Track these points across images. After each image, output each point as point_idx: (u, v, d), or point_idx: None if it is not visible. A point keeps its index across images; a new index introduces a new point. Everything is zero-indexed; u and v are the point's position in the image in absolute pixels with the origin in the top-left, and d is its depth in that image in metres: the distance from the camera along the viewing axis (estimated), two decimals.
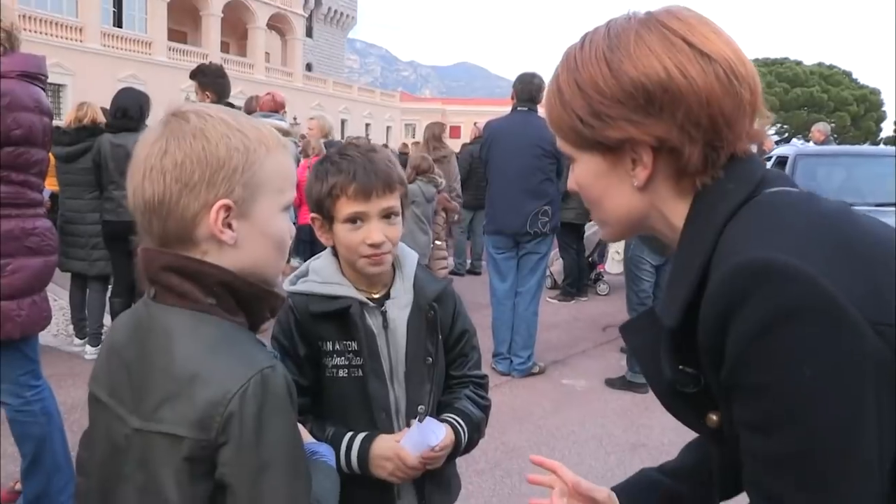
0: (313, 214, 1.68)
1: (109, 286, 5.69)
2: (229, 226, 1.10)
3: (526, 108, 5.51)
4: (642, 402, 4.97)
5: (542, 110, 5.14)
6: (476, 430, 1.77)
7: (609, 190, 1.04)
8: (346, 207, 1.62)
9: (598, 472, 3.92)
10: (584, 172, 1.06)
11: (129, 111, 5.23)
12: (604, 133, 0.98)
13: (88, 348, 5.63)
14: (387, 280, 1.74)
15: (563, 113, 1.02)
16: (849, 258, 0.85)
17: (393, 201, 1.65)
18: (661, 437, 4.33)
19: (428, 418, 1.64)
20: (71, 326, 6.01)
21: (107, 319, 5.69)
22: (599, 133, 0.98)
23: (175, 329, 1.09)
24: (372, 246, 1.61)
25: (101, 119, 5.54)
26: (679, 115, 0.93)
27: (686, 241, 0.98)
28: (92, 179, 5.36)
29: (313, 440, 1.41)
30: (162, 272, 1.11)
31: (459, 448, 1.72)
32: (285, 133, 5.91)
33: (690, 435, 1.28)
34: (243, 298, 1.13)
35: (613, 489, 1.35)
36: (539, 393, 5.29)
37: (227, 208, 1.09)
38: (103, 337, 5.62)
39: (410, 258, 1.78)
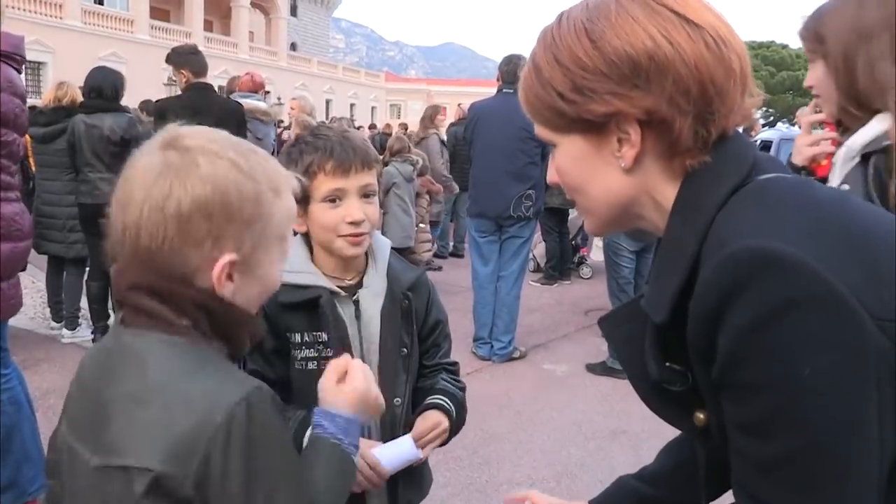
0: None
1: (87, 269, 5.61)
2: (229, 276, 1.03)
3: (511, 90, 5.42)
4: (623, 388, 4.94)
5: None
6: (462, 408, 1.75)
7: (594, 174, 0.96)
8: (324, 185, 1.57)
9: (577, 458, 3.86)
10: (566, 157, 0.98)
11: (103, 91, 5.13)
12: (587, 108, 0.91)
13: (65, 331, 5.57)
14: (360, 266, 1.70)
15: (543, 92, 0.95)
16: (848, 249, 0.79)
17: (371, 178, 1.62)
18: (641, 423, 4.30)
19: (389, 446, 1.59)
20: (48, 309, 5.93)
21: (83, 302, 5.62)
22: (582, 108, 0.91)
23: (148, 353, 0.99)
24: (352, 224, 1.57)
25: (81, 99, 5.42)
26: (667, 84, 0.87)
27: (674, 228, 0.92)
28: (68, 161, 5.26)
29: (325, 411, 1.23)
30: (131, 292, 1.02)
31: (453, 425, 1.70)
32: (264, 114, 5.84)
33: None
34: (221, 323, 1.04)
35: (591, 503, 1.31)
36: (519, 378, 5.28)
37: (232, 263, 1.02)
38: (80, 320, 5.57)
39: (384, 246, 1.75)
